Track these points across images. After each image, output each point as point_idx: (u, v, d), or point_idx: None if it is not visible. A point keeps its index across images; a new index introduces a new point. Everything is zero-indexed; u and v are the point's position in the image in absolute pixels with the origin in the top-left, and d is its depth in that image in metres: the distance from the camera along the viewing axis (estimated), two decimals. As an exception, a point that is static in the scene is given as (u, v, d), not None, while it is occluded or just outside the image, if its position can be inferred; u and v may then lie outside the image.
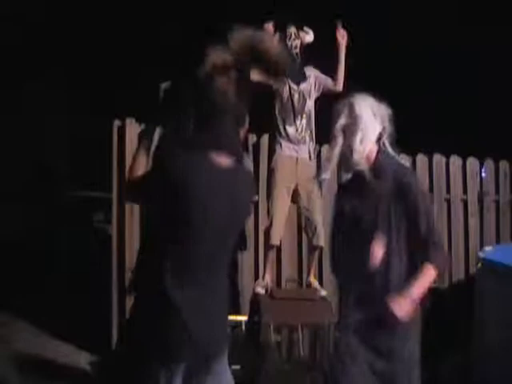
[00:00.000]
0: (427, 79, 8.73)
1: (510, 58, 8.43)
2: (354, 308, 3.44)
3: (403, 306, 3.30)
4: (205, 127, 2.69)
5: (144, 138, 2.83)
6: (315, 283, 5.84)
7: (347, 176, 3.58)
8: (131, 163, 2.83)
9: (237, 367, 4.86)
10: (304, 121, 5.67)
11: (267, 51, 2.70)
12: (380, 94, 3.49)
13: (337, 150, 3.46)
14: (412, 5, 8.76)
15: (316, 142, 5.88)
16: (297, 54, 5.71)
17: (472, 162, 7.17)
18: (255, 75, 4.02)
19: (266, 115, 5.66)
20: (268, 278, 5.72)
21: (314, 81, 5.77)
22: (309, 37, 5.77)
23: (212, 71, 2.67)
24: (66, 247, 8.06)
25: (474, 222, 7.11)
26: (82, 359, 5.75)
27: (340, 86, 5.74)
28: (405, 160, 3.53)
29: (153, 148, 2.84)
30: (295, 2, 7.98)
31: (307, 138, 5.69)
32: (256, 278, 6.07)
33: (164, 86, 2.78)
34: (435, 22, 8.82)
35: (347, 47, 5.72)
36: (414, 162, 6.75)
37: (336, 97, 4.29)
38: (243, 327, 5.55)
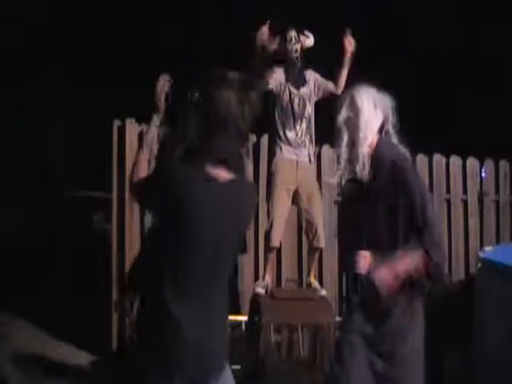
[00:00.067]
0: (427, 79, 8.73)
1: (510, 58, 8.43)
2: (358, 305, 3.45)
3: (384, 276, 3.29)
4: (205, 138, 2.68)
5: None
6: (315, 283, 5.85)
7: (348, 176, 3.58)
8: (133, 164, 2.82)
9: (237, 367, 4.86)
10: (304, 125, 5.67)
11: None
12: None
13: (343, 145, 3.48)
14: (412, 5, 8.76)
15: (316, 144, 5.89)
16: (297, 57, 5.70)
17: (472, 162, 7.17)
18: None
19: (266, 117, 5.66)
20: (268, 279, 5.73)
21: (313, 85, 5.76)
22: (309, 41, 5.77)
23: (217, 82, 2.68)
24: (66, 247, 8.06)
25: (474, 222, 7.12)
26: (82, 359, 5.75)
27: (341, 90, 5.75)
28: (406, 150, 3.51)
29: (154, 147, 2.84)
30: (296, 5, 7.98)
31: (307, 142, 5.70)
32: (256, 278, 6.08)
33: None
34: (436, 22, 8.82)
35: (353, 55, 5.71)
36: (414, 162, 6.74)
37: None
38: (243, 327, 5.56)
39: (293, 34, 5.73)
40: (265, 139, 6.22)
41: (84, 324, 5.77)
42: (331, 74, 5.80)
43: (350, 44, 5.67)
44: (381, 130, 3.49)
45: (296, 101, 5.67)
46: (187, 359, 2.61)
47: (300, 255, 6.45)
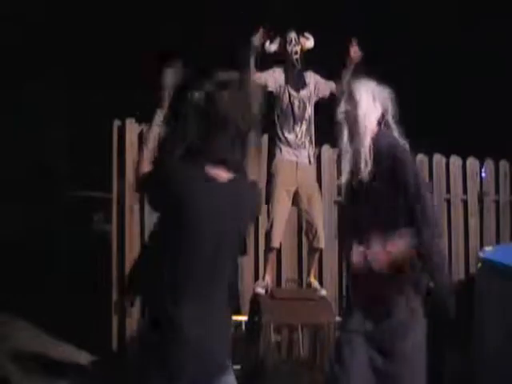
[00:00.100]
0: (427, 79, 8.73)
1: (510, 58, 8.43)
2: (359, 299, 3.45)
3: (377, 251, 3.31)
4: (205, 138, 2.68)
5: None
6: (315, 283, 5.85)
7: (349, 176, 3.58)
8: (136, 164, 2.84)
9: (237, 367, 4.86)
10: (304, 127, 5.66)
11: None
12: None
13: (344, 140, 3.49)
14: (412, 5, 8.76)
15: (315, 145, 5.88)
16: (297, 59, 5.69)
17: (472, 162, 7.17)
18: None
19: (266, 118, 5.65)
20: (268, 279, 5.73)
21: (313, 87, 5.75)
22: (309, 43, 5.77)
23: (218, 82, 2.68)
24: (66, 247, 8.06)
25: (474, 222, 7.12)
26: (82, 359, 5.75)
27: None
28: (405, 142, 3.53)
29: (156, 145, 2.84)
30: (296, 6, 7.98)
31: (307, 143, 5.69)
32: (256, 278, 6.08)
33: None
34: (436, 22, 8.82)
35: (357, 65, 5.69)
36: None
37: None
38: (243, 327, 5.56)
39: (293, 35, 5.72)
40: (265, 139, 6.22)
41: (84, 324, 5.77)
42: (331, 74, 5.80)
43: (355, 54, 5.63)
44: (380, 122, 3.51)
45: (296, 103, 5.66)
46: (187, 359, 2.61)
47: (300, 255, 6.45)
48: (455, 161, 7.10)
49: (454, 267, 6.87)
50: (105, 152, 6.12)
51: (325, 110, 5.39)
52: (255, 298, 5.64)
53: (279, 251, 6.20)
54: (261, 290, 5.64)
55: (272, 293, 5.68)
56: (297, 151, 5.66)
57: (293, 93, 5.66)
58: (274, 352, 5.46)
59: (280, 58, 5.71)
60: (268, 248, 5.70)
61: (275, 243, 5.65)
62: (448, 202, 7.04)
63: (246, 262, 6.21)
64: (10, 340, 5.88)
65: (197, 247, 2.63)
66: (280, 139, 5.65)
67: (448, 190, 7.04)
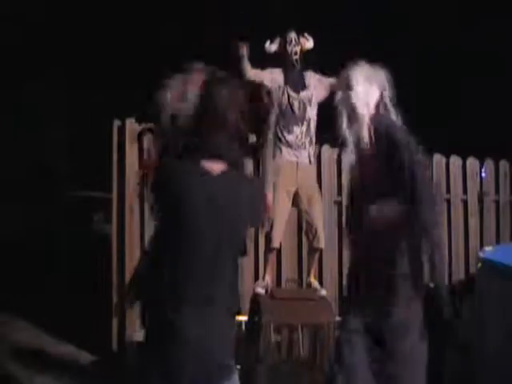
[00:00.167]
0: (427, 79, 8.73)
1: (510, 58, 8.43)
2: (358, 298, 3.46)
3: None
4: (203, 135, 2.69)
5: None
6: (315, 283, 5.84)
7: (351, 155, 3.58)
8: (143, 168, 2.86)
9: (237, 367, 4.86)
10: (304, 128, 5.64)
11: None
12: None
13: (343, 127, 3.49)
14: (412, 5, 8.76)
15: (315, 144, 5.88)
16: (296, 60, 5.68)
17: (472, 162, 7.17)
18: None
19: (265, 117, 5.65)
20: (268, 279, 5.72)
21: (314, 88, 5.72)
22: (309, 43, 5.75)
23: (216, 81, 2.69)
24: (66, 247, 8.07)
25: (474, 222, 7.12)
26: (82, 359, 5.76)
27: None
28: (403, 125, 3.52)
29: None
30: (296, 6, 7.98)
31: (307, 144, 5.68)
32: (256, 278, 6.08)
33: None
34: (436, 22, 8.82)
35: None
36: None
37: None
38: (243, 327, 5.55)
39: (293, 35, 5.71)
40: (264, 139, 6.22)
41: (84, 324, 5.78)
42: (331, 74, 5.79)
43: None
44: (378, 105, 3.51)
45: (296, 104, 5.64)
46: (187, 359, 2.61)
47: (300, 255, 6.45)
48: (455, 161, 7.09)
49: (454, 267, 6.87)
50: (105, 152, 6.12)
51: (325, 109, 5.38)
52: (255, 297, 5.63)
53: (279, 251, 6.20)
54: (261, 290, 5.64)
55: (272, 293, 5.67)
56: (297, 152, 5.65)
57: (292, 93, 5.65)
58: (273, 352, 5.46)
59: (280, 59, 5.70)
60: (268, 248, 5.69)
61: (275, 243, 5.65)
62: (448, 201, 7.03)
63: (246, 262, 6.20)
64: (10, 340, 5.89)
65: (197, 247, 2.63)
66: (280, 140, 5.64)
67: (448, 190, 7.04)
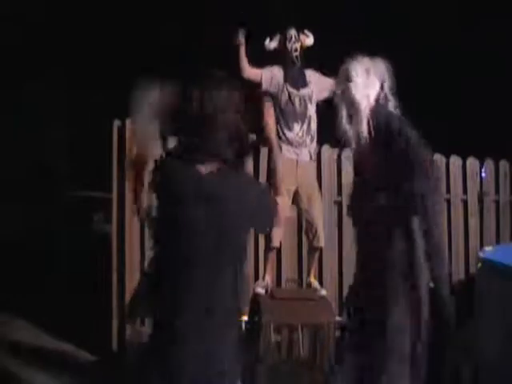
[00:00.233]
0: (427, 79, 8.73)
1: (510, 58, 8.43)
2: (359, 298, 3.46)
3: None
4: (202, 136, 2.68)
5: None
6: (315, 283, 5.84)
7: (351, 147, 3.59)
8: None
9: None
10: (305, 126, 5.63)
11: None
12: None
13: (343, 121, 3.49)
14: (412, 5, 8.76)
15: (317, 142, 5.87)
16: (296, 57, 5.67)
17: (472, 162, 7.17)
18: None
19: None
20: (268, 279, 5.72)
21: (314, 85, 5.72)
22: (309, 40, 5.75)
23: (215, 81, 2.69)
24: (66, 247, 8.07)
25: (474, 222, 7.11)
26: (82, 359, 5.75)
27: None
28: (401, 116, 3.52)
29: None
30: (296, 5, 7.98)
31: (308, 141, 5.67)
32: (256, 278, 6.08)
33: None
34: (436, 22, 8.82)
35: None
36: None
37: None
38: (243, 327, 5.55)
39: (293, 32, 5.70)
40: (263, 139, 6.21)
41: (84, 324, 5.78)
42: (331, 74, 5.78)
43: None
44: (378, 96, 3.50)
45: (297, 101, 5.63)
46: (187, 359, 2.61)
47: (300, 255, 6.44)
48: (455, 161, 7.09)
49: (454, 267, 6.87)
50: (105, 152, 6.12)
51: (325, 109, 5.38)
52: (255, 297, 5.63)
53: (279, 251, 6.20)
54: (261, 290, 5.64)
55: (272, 293, 5.67)
56: (297, 149, 5.64)
57: (292, 91, 5.63)
58: (273, 352, 5.46)
59: (279, 56, 5.69)
60: (268, 248, 5.69)
61: (275, 243, 5.64)
62: (448, 202, 7.03)
63: (246, 262, 6.20)
64: (10, 340, 5.89)
65: (196, 248, 2.63)
66: (280, 137, 5.63)
67: (448, 190, 7.03)
